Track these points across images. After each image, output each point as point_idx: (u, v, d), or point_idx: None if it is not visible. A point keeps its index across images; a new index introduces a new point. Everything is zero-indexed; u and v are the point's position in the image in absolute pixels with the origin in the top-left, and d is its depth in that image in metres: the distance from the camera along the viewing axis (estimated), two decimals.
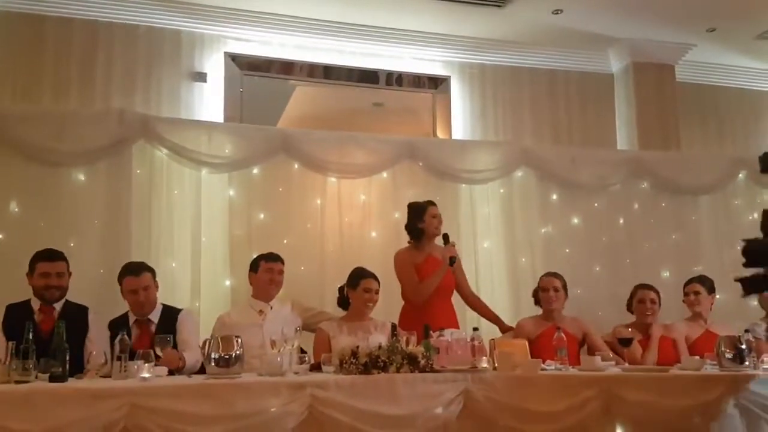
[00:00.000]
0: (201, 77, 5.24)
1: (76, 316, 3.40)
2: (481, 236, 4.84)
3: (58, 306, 3.45)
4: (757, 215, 3.34)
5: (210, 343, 2.91)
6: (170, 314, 3.59)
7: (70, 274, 3.51)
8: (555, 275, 4.05)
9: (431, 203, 4.10)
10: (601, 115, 6.12)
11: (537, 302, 4.09)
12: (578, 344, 3.92)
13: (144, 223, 4.18)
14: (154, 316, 3.55)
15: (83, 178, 4.17)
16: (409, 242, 4.09)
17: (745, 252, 2.35)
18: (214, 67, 5.31)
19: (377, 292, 3.69)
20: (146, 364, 2.79)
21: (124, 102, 4.86)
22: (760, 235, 2.46)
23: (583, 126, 6.05)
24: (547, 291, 3.98)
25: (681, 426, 2.98)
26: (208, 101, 5.25)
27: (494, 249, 4.85)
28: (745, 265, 2.36)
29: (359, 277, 3.70)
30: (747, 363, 3.19)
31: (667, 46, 5.93)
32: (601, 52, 6.06)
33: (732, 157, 5.52)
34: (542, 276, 4.10)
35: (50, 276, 3.42)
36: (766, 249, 2.25)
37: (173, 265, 4.20)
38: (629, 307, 4.20)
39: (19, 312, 3.35)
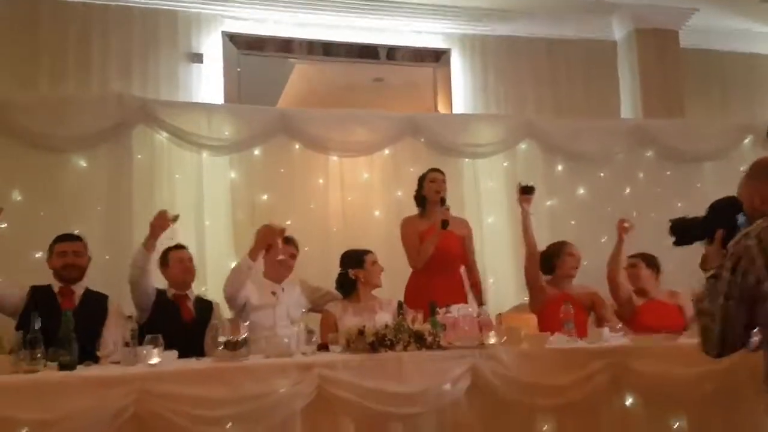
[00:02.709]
0: (198, 58, 5.18)
1: (96, 303, 3.46)
2: (486, 211, 4.81)
3: (78, 290, 3.47)
4: None
5: (217, 326, 2.92)
6: (202, 301, 3.73)
7: (89, 258, 3.55)
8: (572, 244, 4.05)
9: (433, 169, 4.08)
10: (605, 83, 6.03)
11: (547, 270, 4.06)
12: (587, 313, 3.93)
13: (147, 208, 4.13)
14: (191, 294, 3.69)
15: (84, 164, 4.16)
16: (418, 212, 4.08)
17: (673, 231, 2.39)
18: (212, 47, 5.24)
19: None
20: (155, 349, 2.79)
21: (121, 85, 4.82)
22: None
23: (586, 95, 5.98)
24: (573, 255, 3.98)
25: (691, 395, 2.98)
26: (207, 82, 5.19)
27: (499, 223, 4.81)
28: (676, 243, 2.39)
29: (362, 254, 3.69)
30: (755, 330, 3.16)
31: (669, 11, 5.82)
32: (604, 19, 5.95)
33: (737, 123, 5.45)
34: (560, 243, 4.06)
35: (67, 254, 3.45)
36: (691, 225, 2.30)
37: None
38: None
39: (42, 294, 3.37)
